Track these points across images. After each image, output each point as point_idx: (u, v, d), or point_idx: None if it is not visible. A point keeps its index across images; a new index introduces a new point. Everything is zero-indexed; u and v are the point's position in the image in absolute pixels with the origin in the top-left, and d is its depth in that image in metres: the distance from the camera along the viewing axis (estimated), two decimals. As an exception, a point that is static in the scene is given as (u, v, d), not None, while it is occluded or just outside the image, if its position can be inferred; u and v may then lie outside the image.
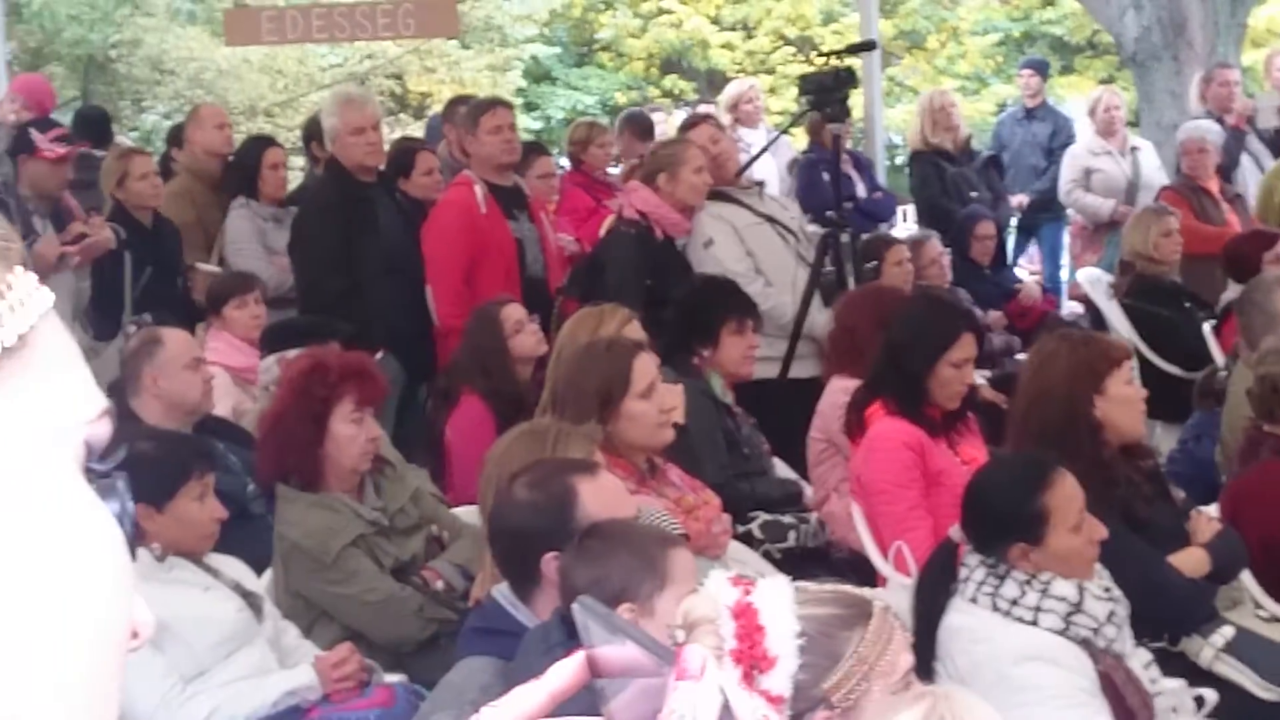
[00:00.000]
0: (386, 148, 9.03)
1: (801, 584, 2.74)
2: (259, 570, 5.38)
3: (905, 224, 12.10)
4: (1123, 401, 5.38)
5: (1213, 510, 5.72)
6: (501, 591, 3.94)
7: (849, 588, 3.05)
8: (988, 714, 2.70)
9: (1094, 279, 10.20)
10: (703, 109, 13.20)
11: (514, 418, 5.73)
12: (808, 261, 8.06)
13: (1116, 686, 4.37)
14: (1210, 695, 4.88)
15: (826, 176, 9.31)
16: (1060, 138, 13.31)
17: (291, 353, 6.58)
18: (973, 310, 8.52)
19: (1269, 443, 5.92)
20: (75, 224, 8.33)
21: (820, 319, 7.66)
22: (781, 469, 6.95)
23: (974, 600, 4.41)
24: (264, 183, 9.23)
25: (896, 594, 4.75)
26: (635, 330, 6.20)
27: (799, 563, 6.01)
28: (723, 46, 24.53)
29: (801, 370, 7.73)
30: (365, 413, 5.54)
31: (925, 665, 4.08)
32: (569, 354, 5.82)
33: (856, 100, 10.30)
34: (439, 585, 5.53)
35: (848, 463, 6.29)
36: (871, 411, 5.96)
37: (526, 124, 21.51)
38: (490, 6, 24.40)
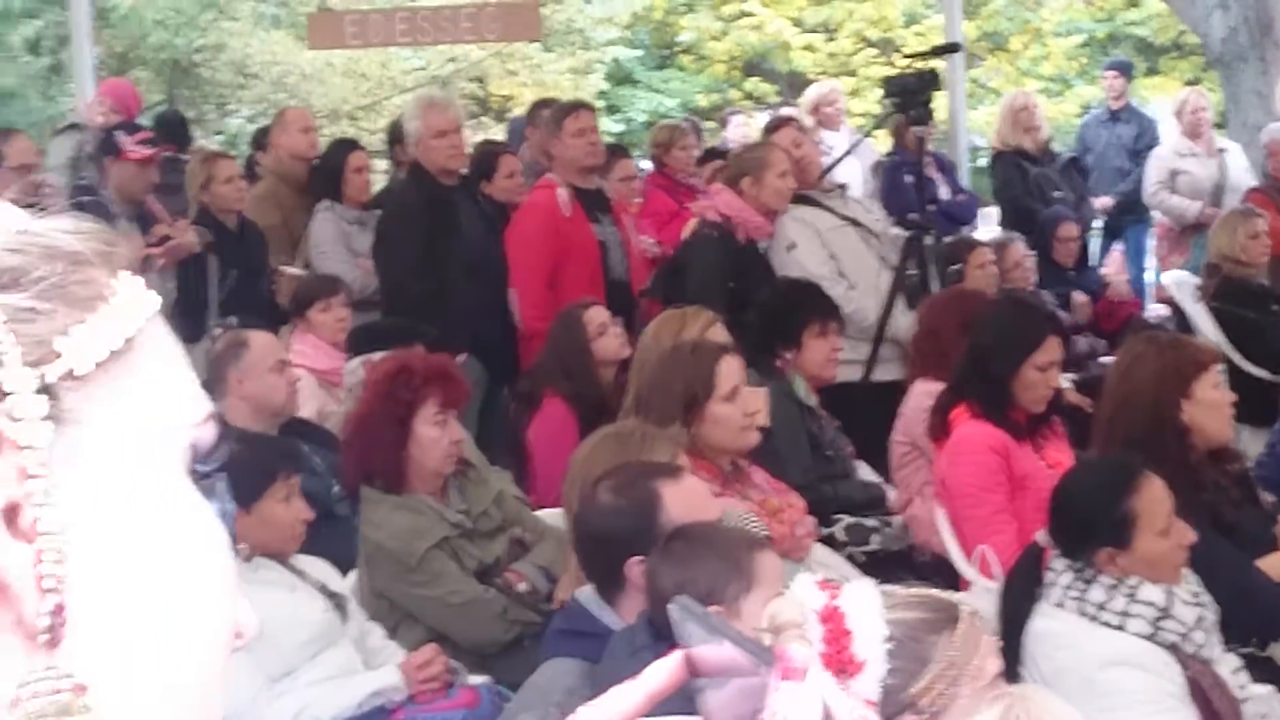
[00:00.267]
0: (469, 151, 9.05)
1: (888, 588, 2.73)
2: (344, 572, 5.40)
3: (988, 226, 12.02)
4: (1210, 405, 5.34)
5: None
6: (586, 594, 3.95)
7: (936, 592, 3.03)
8: (1066, 714, 2.68)
9: (1180, 281, 10.11)
10: (784, 112, 13.16)
11: (596, 421, 5.74)
12: (891, 264, 8.03)
13: (1204, 692, 4.33)
14: (1300, 700, 4.83)
15: (910, 179, 9.29)
16: (1145, 140, 13.21)
17: (377, 355, 6.60)
18: (1058, 313, 8.46)
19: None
20: (159, 226, 8.39)
21: (903, 322, 7.63)
22: (865, 472, 6.92)
23: (1060, 605, 4.38)
24: (348, 186, 9.27)
25: (980, 598, 4.72)
26: (719, 333, 6.19)
27: (882, 566, 5.99)
28: (804, 49, 24.45)
29: (884, 374, 7.70)
30: (449, 415, 5.56)
31: (1011, 670, 4.06)
32: (653, 357, 5.82)
33: (940, 102, 10.26)
34: (522, 587, 5.54)
35: (931, 466, 6.26)
36: (956, 415, 5.93)
37: (608, 127, 21.51)
38: (572, 9, 24.43)
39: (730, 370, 5.46)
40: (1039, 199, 11.16)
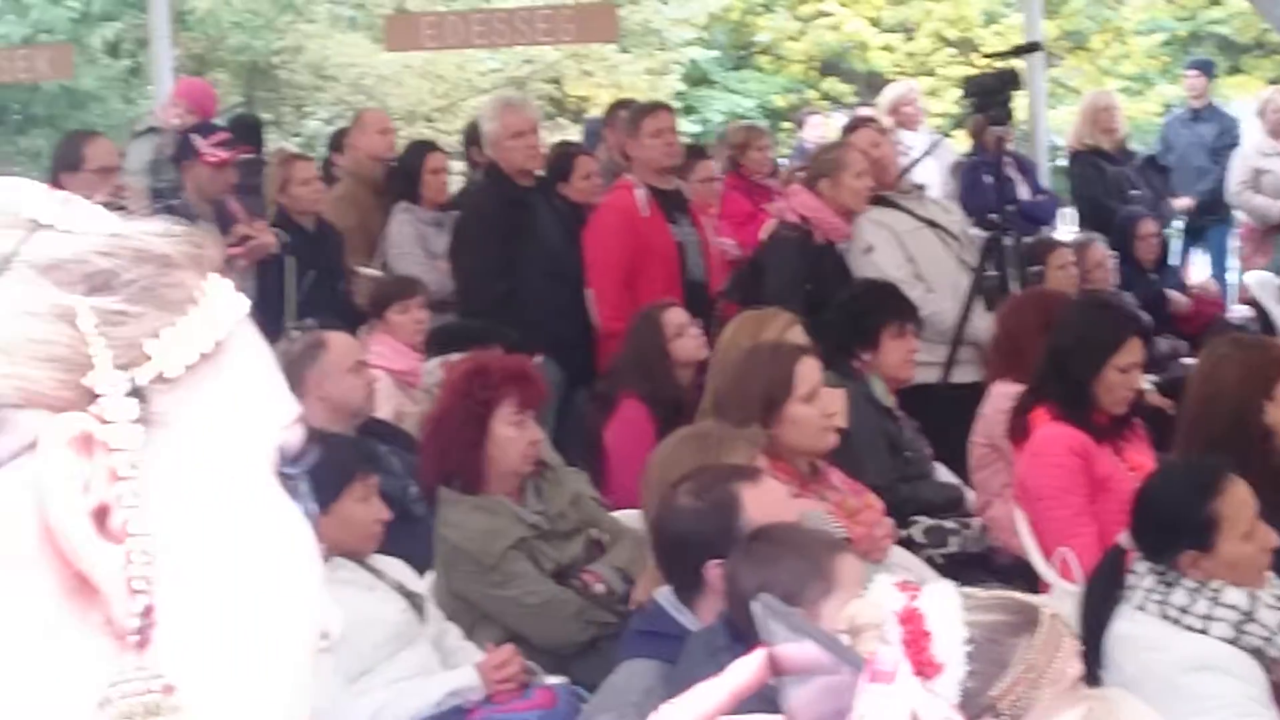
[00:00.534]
0: (545, 152, 9.07)
1: (968, 590, 2.72)
2: (420, 573, 5.41)
3: (1067, 226, 11.97)
4: (1294, 407, 5.30)
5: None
6: (664, 595, 3.95)
7: (1016, 594, 3.02)
8: (1149, 718, 2.66)
9: (1263, 282, 10.04)
10: (862, 112, 13.13)
11: (674, 422, 5.73)
12: (969, 265, 8.00)
13: (1288, 696, 4.30)
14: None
15: (989, 179, 9.24)
16: (1226, 139, 13.11)
17: (455, 356, 6.62)
18: (1139, 314, 8.40)
19: None
20: (239, 226, 8.42)
21: (982, 324, 7.59)
22: (943, 474, 6.90)
23: (1142, 608, 4.35)
24: (425, 187, 9.29)
25: (1061, 601, 4.70)
26: (798, 334, 6.19)
27: (961, 568, 5.95)
28: (882, 49, 24.38)
29: (962, 375, 7.66)
30: (526, 415, 5.56)
31: (1092, 674, 4.03)
32: (731, 358, 5.82)
33: (1020, 102, 10.21)
34: (599, 588, 5.54)
35: (1011, 468, 6.23)
36: (1035, 416, 5.90)
37: (685, 128, 21.48)
38: (649, 10, 24.41)
39: (808, 371, 5.45)
40: (1117, 198, 11.10)
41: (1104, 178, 11.19)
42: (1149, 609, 4.33)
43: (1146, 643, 4.30)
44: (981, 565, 6.27)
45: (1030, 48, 10.26)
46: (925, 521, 6.36)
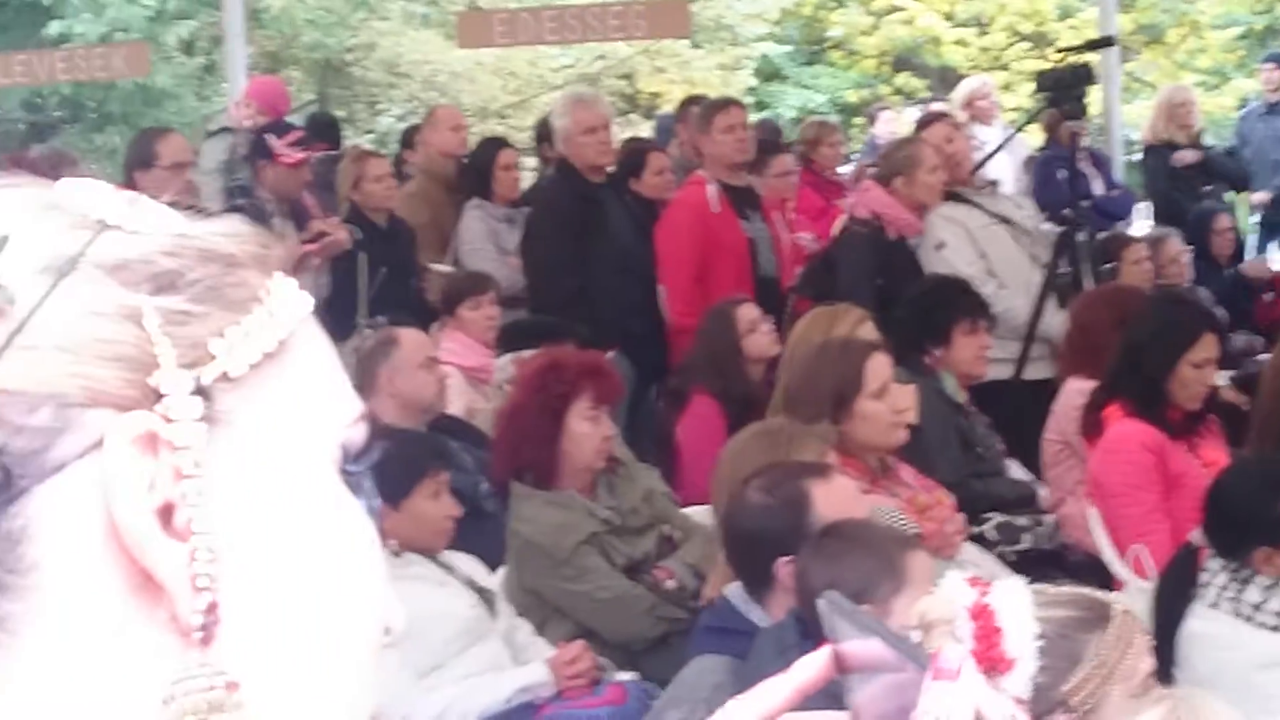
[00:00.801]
0: (617, 148, 9.07)
1: (1039, 586, 2.71)
2: (490, 569, 5.43)
3: (1142, 222, 11.89)
4: (1370, 403, 5.26)
5: None
6: (734, 591, 3.95)
7: (1087, 590, 3.01)
8: (1230, 717, 2.65)
9: (1339, 277, 9.95)
10: (936, 107, 13.08)
11: (745, 418, 5.73)
12: (1042, 262, 7.96)
13: (1364, 695, 4.26)
14: None
15: (1063, 174, 9.20)
16: (1302, 133, 13.01)
17: (527, 353, 6.63)
18: (1214, 310, 8.34)
19: None
20: (314, 222, 8.45)
21: (1055, 320, 7.55)
22: (1016, 470, 6.87)
23: (1215, 605, 4.33)
24: (497, 184, 9.31)
25: (1134, 598, 4.67)
26: (869, 330, 6.17)
27: (1033, 565, 5.92)
28: (956, 43, 24.27)
29: (1035, 372, 7.62)
30: (601, 411, 5.57)
31: (1164, 671, 4.01)
32: (802, 354, 5.81)
33: (1094, 96, 10.15)
34: (670, 584, 5.54)
35: (1084, 465, 6.20)
36: (1109, 413, 5.87)
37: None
38: (721, 6, 24.39)
39: (879, 367, 5.44)
40: (1189, 192, 11.04)
41: (1176, 173, 11.12)
42: (1222, 606, 4.30)
43: (1219, 641, 4.27)
44: (1054, 562, 6.24)
45: (1105, 42, 10.20)
46: (997, 518, 6.34)
